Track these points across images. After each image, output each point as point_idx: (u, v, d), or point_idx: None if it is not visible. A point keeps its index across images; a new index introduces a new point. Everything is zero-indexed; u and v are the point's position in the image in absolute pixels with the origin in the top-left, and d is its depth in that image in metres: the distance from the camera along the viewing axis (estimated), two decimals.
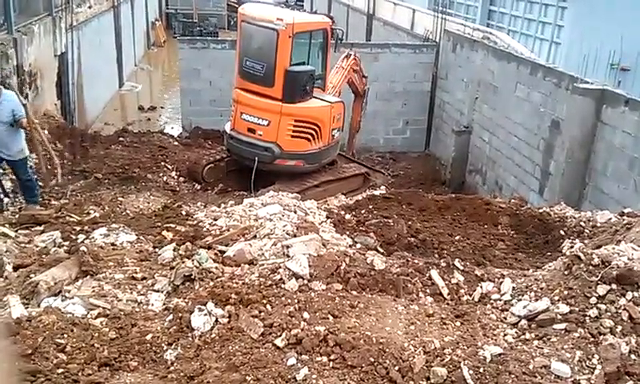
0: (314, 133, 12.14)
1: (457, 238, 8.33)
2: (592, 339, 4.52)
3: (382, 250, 7.35)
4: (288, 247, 6.08)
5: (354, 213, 9.49)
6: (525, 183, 13.29)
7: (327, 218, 8.68)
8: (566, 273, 5.13)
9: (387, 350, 4.41)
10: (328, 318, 4.81)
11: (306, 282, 5.35)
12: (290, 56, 11.61)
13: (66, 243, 6.80)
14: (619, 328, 4.56)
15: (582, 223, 8.67)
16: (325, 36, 12.33)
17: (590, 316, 4.67)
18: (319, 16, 13.12)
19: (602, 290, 4.80)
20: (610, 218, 8.38)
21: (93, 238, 6.78)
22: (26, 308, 5.09)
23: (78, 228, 7.45)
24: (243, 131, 12.13)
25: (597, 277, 4.91)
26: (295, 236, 6.57)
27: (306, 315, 4.81)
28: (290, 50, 11.56)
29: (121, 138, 14.42)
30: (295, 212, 7.67)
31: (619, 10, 16.53)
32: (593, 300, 4.76)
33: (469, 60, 16.44)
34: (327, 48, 12.41)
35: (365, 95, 14.58)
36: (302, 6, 36.17)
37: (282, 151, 11.92)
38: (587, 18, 17.30)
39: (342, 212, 9.43)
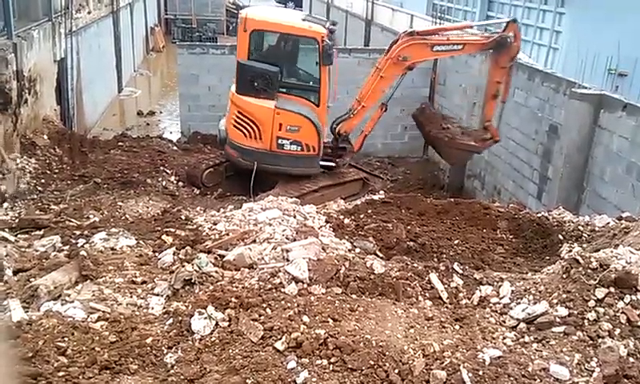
0: (250, 129, 12.15)
1: (456, 242, 8.34)
2: (590, 342, 4.54)
3: (381, 255, 7.36)
4: (287, 251, 6.10)
5: (353, 217, 9.50)
6: (523, 188, 13.32)
7: (326, 222, 8.68)
8: (564, 276, 5.16)
9: (387, 353, 4.43)
10: (328, 322, 4.83)
11: (305, 285, 5.37)
12: (248, 50, 11.85)
13: (66, 247, 6.83)
14: (617, 331, 4.58)
15: (580, 227, 8.69)
16: (317, 47, 11.66)
17: (588, 319, 4.69)
18: (306, 23, 12.12)
19: (600, 293, 4.82)
20: (609, 222, 8.40)
21: (92, 242, 6.80)
22: (27, 312, 5.11)
23: (77, 232, 7.48)
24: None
25: (595, 280, 4.94)
26: (295, 240, 6.60)
27: (305, 319, 4.82)
28: (246, 44, 11.83)
29: (120, 143, 14.43)
30: (294, 216, 7.69)
31: (617, 16, 16.62)
32: (591, 303, 4.79)
33: (467, 65, 16.47)
34: (321, 61, 11.74)
35: (505, 47, 11.97)
36: (302, 8, 36.32)
37: (228, 138, 12.36)
38: (585, 23, 17.38)
39: (341, 216, 9.43)
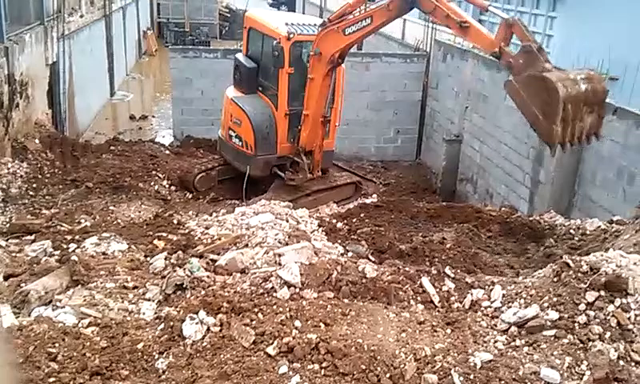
0: (222, 117, 12.97)
1: (448, 245, 8.37)
2: (581, 345, 4.56)
3: (373, 258, 7.38)
4: (280, 256, 6.10)
5: (345, 221, 9.54)
6: (515, 191, 13.37)
7: (319, 226, 8.71)
8: (555, 280, 5.18)
9: (378, 357, 4.43)
10: (320, 326, 4.83)
11: (297, 290, 5.37)
12: (246, 47, 12.67)
13: (57, 252, 6.80)
14: (608, 334, 4.60)
15: (571, 231, 8.76)
16: (273, 49, 11.44)
17: (579, 322, 4.71)
18: (276, 23, 11.90)
19: (590, 296, 4.85)
20: (600, 226, 8.47)
21: (84, 247, 6.78)
22: (17, 317, 5.08)
23: (69, 237, 7.45)
24: None
25: (585, 284, 4.97)
26: (287, 244, 6.60)
27: (297, 323, 4.83)
28: (245, 41, 12.66)
29: (112, 147, 14.38)
30: (287, 221, 7.70)
31: (608, 20, 16.70)
32: (582, 307, 4.81)
33: (459, 69, 16.55)
34: (278, 64, 11.57)
35: (416, 3, 9.66)
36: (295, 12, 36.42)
37: None
38: (576, 27, 17.47)
39: (334, 220, 9.48)
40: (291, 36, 11.32)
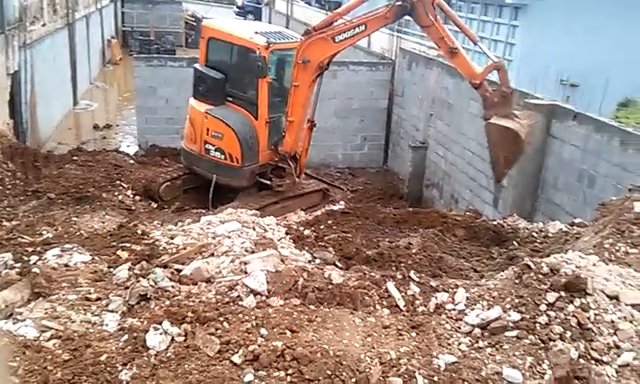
0: (190, 131, 12.64)
1: (414, 250, 8.44)
2: (542, 345, 4.66)
3: (340, 265, 7.40)
4: (246, 264, 6.07)
5: (313, 228, 9.53)
6: (479, 196, 13.57)
7: (286, 234, 8.69)
8: (516, 282, 5.28)
9: (344, 362, 4.44)
10: (285, 333, 4.82)
11: (263, 298, 5.35)
12: (205, 57, 12.39)
13: (18, 265, 6.63)
14: (568, 334, 4.71)
15: (534, 234, 8.92)
16: (252, 59, 11.52)
17: (540, 323, 4.81)
18: (249, 34, 11.89)
19: (551, 297, 4.96)
20: (561, 229, 8.65)
21: (45, 259, 6.65)
22: None
23: (30, 249, 7.28)
24: None
25: (546, 285, 5.08)
26: (253, 253, 6.57)
27: (263, 331, 4.81)
28: (204, 51, 12.41)
29: (75, 157, 14.13)
30: (254, 229, 7.67)
31: (568, 30, 17.16)
32: (543, 307, 4.92)
33: (424, 77, 16.77)
34: (256, 74, 11.63)
35: (412, 10, 10.27)
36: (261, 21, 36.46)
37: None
38: (538, 36, 17.88)
39: (302, 228, 9.45)
40: (270, 45, 11.42)
